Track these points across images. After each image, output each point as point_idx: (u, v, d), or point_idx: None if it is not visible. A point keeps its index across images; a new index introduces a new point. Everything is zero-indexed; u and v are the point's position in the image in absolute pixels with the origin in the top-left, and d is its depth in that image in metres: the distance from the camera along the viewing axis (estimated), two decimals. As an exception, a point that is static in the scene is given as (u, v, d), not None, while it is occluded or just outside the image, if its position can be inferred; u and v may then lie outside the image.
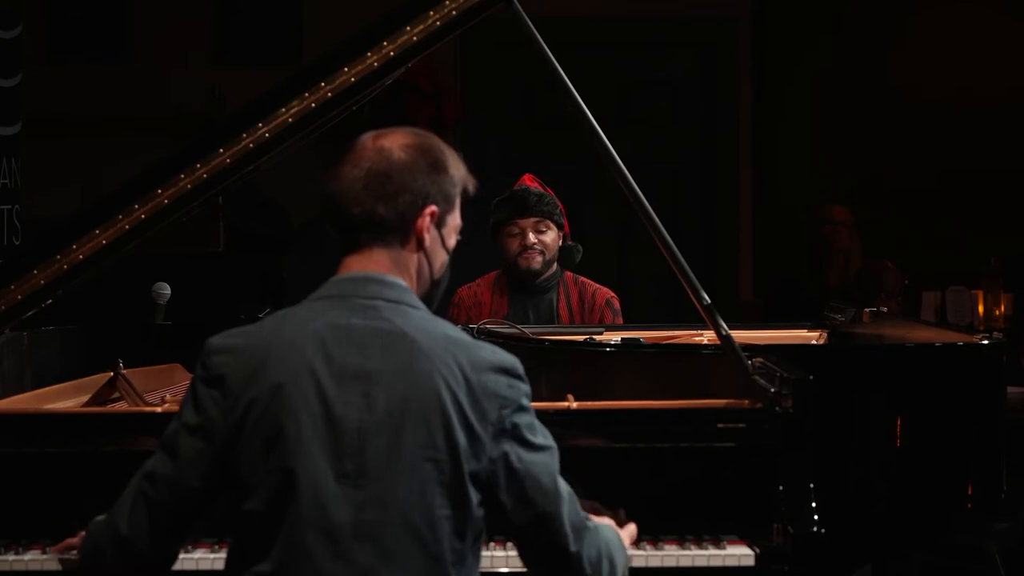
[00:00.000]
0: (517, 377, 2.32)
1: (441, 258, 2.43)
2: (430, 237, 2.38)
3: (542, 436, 2.33)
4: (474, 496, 2.26)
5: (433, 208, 2.37)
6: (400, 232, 2.36)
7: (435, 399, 2.24)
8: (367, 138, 2.39)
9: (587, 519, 2.38)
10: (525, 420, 2.31)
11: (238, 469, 2.24)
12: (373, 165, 2.34)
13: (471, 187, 2.44)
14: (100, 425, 3.12)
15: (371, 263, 2.35)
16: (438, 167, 2.38)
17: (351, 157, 2.37)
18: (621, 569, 2.44)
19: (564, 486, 2.34)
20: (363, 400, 2.24)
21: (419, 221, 2.36)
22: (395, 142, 2.37)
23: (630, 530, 2.71)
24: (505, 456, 2.27)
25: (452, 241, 2.44)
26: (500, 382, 2.29)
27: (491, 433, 2.26)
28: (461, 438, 2.24)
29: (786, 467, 2.99)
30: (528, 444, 2.30)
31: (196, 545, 2.87)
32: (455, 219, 2.43)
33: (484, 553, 2.65)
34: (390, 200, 2.34)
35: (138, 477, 2.32)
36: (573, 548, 2.32)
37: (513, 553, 2.87)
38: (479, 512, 2.28)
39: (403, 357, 2.26)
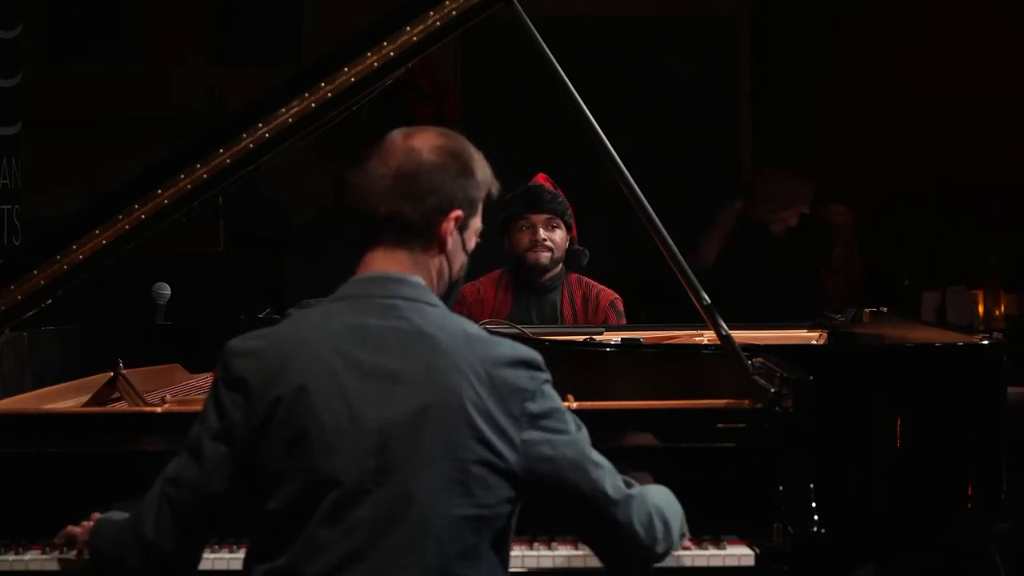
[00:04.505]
0: (537, 368, 2.31)
1: (460, 260, 2.42)
2: (452, 240, 2.37)
3: (571, 421, 2.32)
4: (498, 493, 2.25)
5: (458, 212, 2.36)
6: (424, 234, 2.35)
7: (456, 397, 2.23)
8: (397, 135, 2.37)
9: (631, 486, 2.37)
10: (549, 407, 2.30)
11: (260, 470, 2.24)
12: (402, 165, 2.33)
13: (495, 191, 2.43)
14: (100, 425, 3.11)
15: (391, 262, 2.34)
16: (466, 171, 2.37)
17: (380, 153, 2.35)
18: (677, 527, 2.44)
19: (601, 460, 2.33)
20: (384, 399, 2.23)
21: (443, 225, 2.35)
22: (425, 143, 2.35)
23: None
24: (537, 446, 2.26)
25: (472, 244, 2.43)
26: (520, 375, 2.28)
27: (518, 426, 2.26)
28: (484, 435, 2.23)
29: (786, 467, 2.99)
30: (556, 430, 2.29)
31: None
32: (477, 222, 2.42)
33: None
34: (417, 201, 2.32)
35: (161, 481, 2.32)
36: (622, 518, 2.31)
37: (515, 553, 2.86)
38: (503, 510, 2.27)
39: (423, 356, 2.26)
